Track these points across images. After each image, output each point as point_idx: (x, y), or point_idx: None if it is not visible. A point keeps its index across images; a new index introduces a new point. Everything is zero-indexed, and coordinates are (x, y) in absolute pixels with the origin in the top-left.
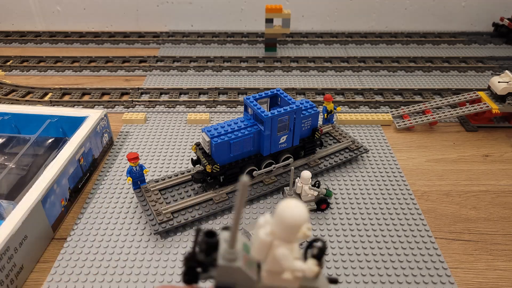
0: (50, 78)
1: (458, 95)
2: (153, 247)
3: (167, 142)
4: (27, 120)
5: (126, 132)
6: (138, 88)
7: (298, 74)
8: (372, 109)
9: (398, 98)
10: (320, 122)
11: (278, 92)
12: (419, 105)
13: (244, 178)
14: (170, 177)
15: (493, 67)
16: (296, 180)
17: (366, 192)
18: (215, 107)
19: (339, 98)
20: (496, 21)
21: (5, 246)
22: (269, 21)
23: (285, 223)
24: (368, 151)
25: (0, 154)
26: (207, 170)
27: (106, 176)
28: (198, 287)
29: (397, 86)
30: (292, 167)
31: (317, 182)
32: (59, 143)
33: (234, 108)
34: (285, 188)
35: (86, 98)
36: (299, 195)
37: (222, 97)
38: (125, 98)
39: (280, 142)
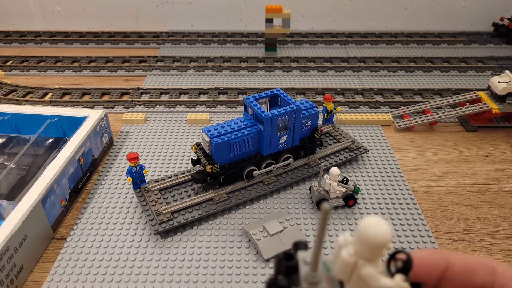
0: (50, 78)
1: (458, 95)
2: (153, 247)
3: (167, 142)
4: (27, 120)
5: (126, 132)
6: (138, 88)
7: (298, 74)
8: (372, 109)
9: (398, 98)
10: (320, 122)
11: (278, 92)
12: (419, 105)
13: (326, 205)
14: (170, 177)
15: (493, 67)
16: (325, 176)
17: (366, 192)
18: (215, 107)
19: (339, 98)
20: (496, 21)
21: (5, 246)
22: (269, 21)
23: (369, 243)
24: (368, 151)
25: (0, 154)
26: (207, 170)
27: (106, 176)
28: None
29: (397, 86)
30: (322, 164)
31: (345, 179)
32: (59, 143)
33: (234, 108)
34: (313, 184)
35: (86, 98)
36: (327, 191)
37: (222, 97)
38: (125, 98)
39: (280, 142)
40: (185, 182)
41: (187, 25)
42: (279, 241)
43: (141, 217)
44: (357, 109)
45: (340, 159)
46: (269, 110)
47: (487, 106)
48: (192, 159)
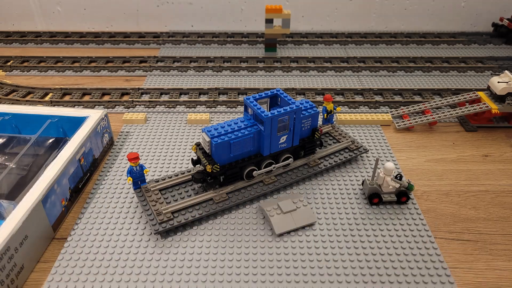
0: (51, 78)
1: (457, 95)
2: (153, 247)
3: (167, 142)
4: (27, 120)
5: (127, 132)
6: (139, 88)
7: (298, 74)
8: (372, 109)
9: (397, 98)
10: (320, 122)
11: (278, 92)
12: (418, 105)
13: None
14: (170, 177)
15: (492, 67)
16: (379, 170)
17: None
18: (215, 107)
19: (339, 98)
20: (495, 21)
21: (5, 246)
22: (269, 21)
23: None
24: (368, 151)
25: (0, 154)
26: (207, 170)
27: (106, 176)
28: None
29: (397, 86)
30: (377, 157)
31: (399, 175)
32: (59, 143)
33: (234, 108)
34: (366, 178)
35: (86, 98)
36: (379, 186)
37: (222, 97)
38: (125, 98)
39: (280, 142)
40: (185, 182)
41: (187, 26)
42: (291, 219)
43: (141, 217)
44: (356, 109)
45: (339, 159)
46: (269, 110)
47: (487, 106)
48: (192, 159)
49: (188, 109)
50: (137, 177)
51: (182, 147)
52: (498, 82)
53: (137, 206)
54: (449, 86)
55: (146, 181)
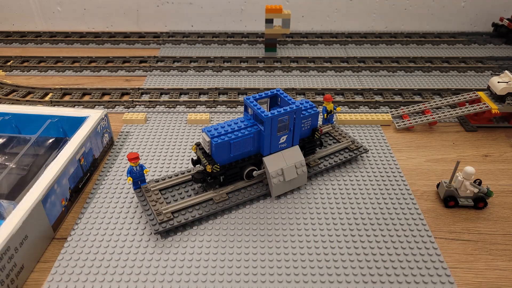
0: (51, 78)
1: (457, 95)
2: (153, 247)
3: (167, 142)
4: (27, 120)
5: (127, 132)
6: (139, 88)
7: (298, 74)
8: (372, 109)
9: (397, 98)
10: (320, 122)
11: (278, 92)
12: (418, 105)
13: None
14: (170, 177)
15: (492, 67)
16: (458, 173)
17: (366, 192)
18: (215, 107)
19: (339, 98)
20: (495, 21)
21: (5, 246)
22: (269, 21)
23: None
24: (368, 151)
25: (0, 154)
26: (207, 170)
27: (106, 176)
28: None
29: (397, 86)
30: (458, 161)
31: (478, 180)
32: (59, 143)
33: (234, 108)
34: (442, 180)
35: (86, 98)
36: (456, 189)
37: (222, 97)
38: (125, 98)
39: (280, 142)
40: (185, 182)
41: (187, 26)
42: (289, 185)
43: (141, 217)
44: (356, 109)
45: (339, 159)
46: (269, 110)
47: (487, 106)
48: (192, 159)
49: (188, 109)
50: (137, 177)
51: (182, 147)
52: (498, 82)
53: (137, 206)
54: (449, 86)
55: (146, 181)
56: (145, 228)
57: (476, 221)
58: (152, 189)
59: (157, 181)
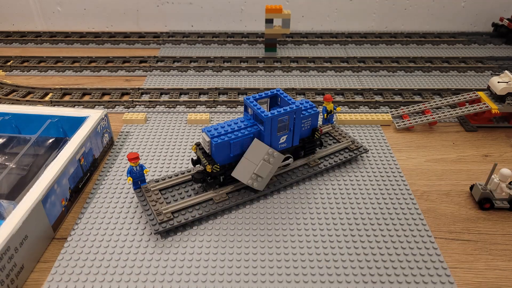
0: (51, 78)
1: (457, 95)
2: (153, 247)
3: (167, 142)
4: (27, 120)
5: (127, 132)
6: (139, 88)
7: (298, 74)
8: (372, 109)
9: (397, 98)
10: (320, 122)
11: (278, 92)
12: (418, 105)
13: None
14: (170, 177)
15: (492, 67)
16: (493, 176)
17: (366, 192)
18: (215, 107)
19: (339, 98)
20: (495, 21)
21: (5, 246)
22: (269, 21)
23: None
24: (368, 151)
25: (0, 154)
26: (207, 170)
27: (106, 176)
28: None
29: (397, 86)
30: (496, 163)
31: None
32: (59, 143)
33: (234, 108)
34: (477, 182)
35: (86, 98)
36: (491, 192)
37: (222, 97)
38: (125, 98)
39: (280, 142)
40: (185, 182)
41: (187, 26)
42: (270, 173)
43: (141, 217)
44: (356, 109)
45: (339, 159)
46: (269, 110)
47: (487, 106)
48: (192, 159)
49: (188, 109)
50: (137, 177)
51: (182, 147)
52: (498, 82)
53: (137, 206)
54: (449, 86)
55: (146, 181)
56: (145, 228)
57: (476, 221)
58: (152, 189)
59: (157, 181)
